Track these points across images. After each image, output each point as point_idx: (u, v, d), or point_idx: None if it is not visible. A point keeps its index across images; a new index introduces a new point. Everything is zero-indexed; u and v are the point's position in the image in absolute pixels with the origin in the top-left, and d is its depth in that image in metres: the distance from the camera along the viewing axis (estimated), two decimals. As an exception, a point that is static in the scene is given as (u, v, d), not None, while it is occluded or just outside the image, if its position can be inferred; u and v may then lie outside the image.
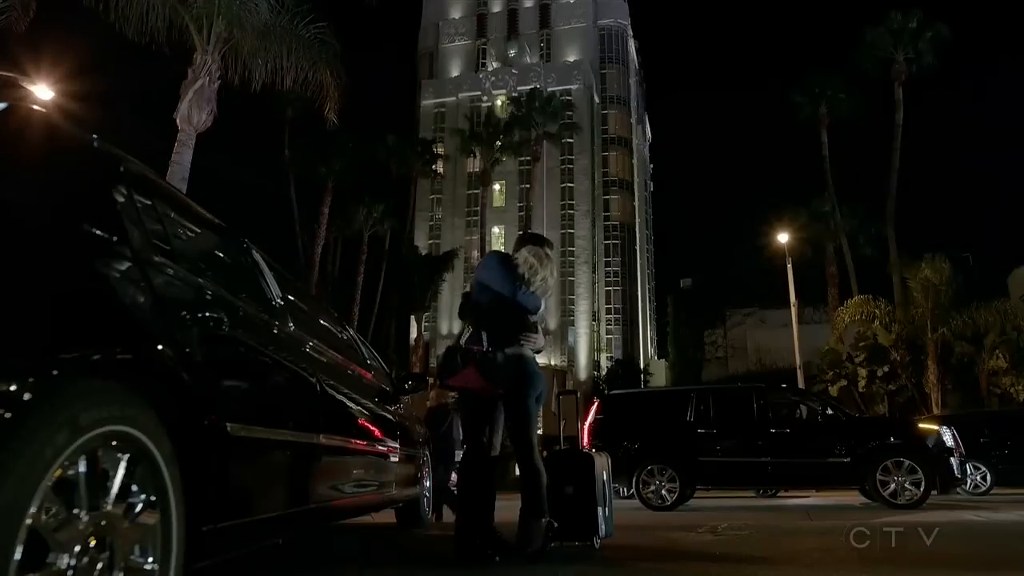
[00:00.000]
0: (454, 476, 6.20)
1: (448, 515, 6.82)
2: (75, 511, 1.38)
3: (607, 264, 52.80)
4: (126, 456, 1.53)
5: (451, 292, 41.86)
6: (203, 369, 1.89)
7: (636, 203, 57.64)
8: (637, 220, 57.52)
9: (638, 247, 57.17)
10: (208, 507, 1.86)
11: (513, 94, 47.23)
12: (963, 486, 10.44)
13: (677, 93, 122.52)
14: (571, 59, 54.89)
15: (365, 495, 3.77)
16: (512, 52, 55.90)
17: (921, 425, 9.27)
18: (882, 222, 29.07)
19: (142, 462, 1.57)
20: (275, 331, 2.64)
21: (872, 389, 24.35)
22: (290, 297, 3.11)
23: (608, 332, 51.56)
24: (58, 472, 1.32)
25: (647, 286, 60.98)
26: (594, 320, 50.08)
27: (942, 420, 11.09)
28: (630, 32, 59.79)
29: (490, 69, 55.58)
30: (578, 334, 49.00)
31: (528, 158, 43.05)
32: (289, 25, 12.94)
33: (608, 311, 52.04)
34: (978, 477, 11.99)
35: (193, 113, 12.13)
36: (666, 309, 52.75)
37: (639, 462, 9.02)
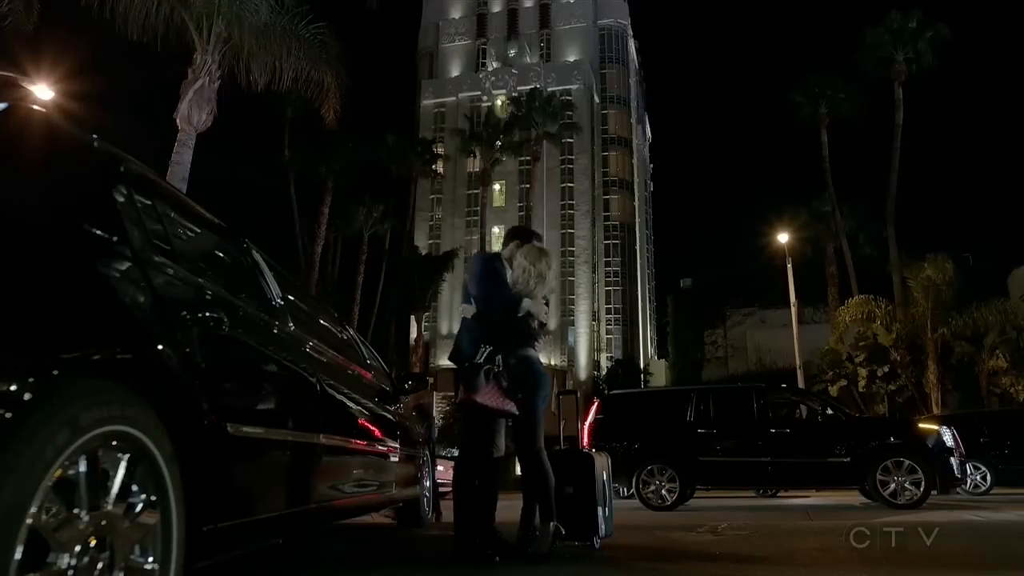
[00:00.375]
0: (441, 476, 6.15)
1: (448, 515, 6.82)
2: (75, 511, 1.38)
3: (607, 264, 52.74)
4: (126, 456, 1.53)
5: (451, 292, 41.82)
6: (203, 369, 1.89)
7: (636, 203, 57.57)
8: (637, 220, 57.44)
9: (638, 247, 57.12)
10: (208, 507, 1.85)
11: (513, 94, 47.18)
12: (963, 486, 10.43)
13: (677, 93, 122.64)
14: (571, 59, 54.82)
15: (365, 495, 3.77)
16: (512, 52, 55.84)
17: (921, 425, 9.26)
18: (882, 222, 29.05)
19: (142, 462, 1.57)
20: (275, 331, 2.64)
21: (872, 389, 24.34)
22: (290, 297, 3.11)
23: (608, 332, 51.50)
24: (58, 472, 1.32)
25: (647, 286, 60.94)
26: (594, 320, 50.03)
27: (942, 420, 11.08)
28: (630, 32, 59.74)
29: (490, 69, 55.50)
30: (578, 334, 48.96)
31: (528, 158, 43.02)
32: (289, 25, 12.96)
33: (608, 311, 51.99)
34: (978, 477, 12.00)
35: (193, 113, 12.15)
36: (666, 309, 52.82)
37: (639, 462, 9.03)
